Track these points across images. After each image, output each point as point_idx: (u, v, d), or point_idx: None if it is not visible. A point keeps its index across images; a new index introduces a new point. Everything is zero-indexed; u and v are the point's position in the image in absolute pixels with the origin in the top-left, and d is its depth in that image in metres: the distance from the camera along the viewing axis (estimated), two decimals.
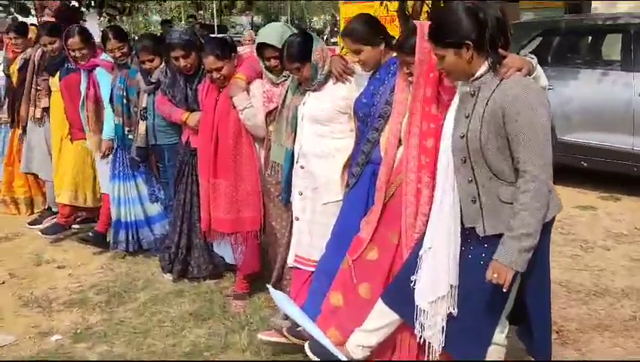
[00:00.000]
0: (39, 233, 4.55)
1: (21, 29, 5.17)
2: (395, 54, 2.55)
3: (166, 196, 4.05)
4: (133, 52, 3.98)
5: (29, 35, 5.19)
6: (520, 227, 1.89)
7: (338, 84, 2.84)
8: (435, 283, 2.11)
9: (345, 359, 2.45)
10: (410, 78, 2.35)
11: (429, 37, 2.04)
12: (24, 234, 4.78)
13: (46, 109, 4.79)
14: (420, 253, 2.20)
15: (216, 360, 2.85)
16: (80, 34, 4.11)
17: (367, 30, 2.60)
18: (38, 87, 4.79)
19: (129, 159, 3.98)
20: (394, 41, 2.50)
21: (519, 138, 1.89)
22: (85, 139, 4.40)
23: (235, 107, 3.14)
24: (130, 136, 3.94)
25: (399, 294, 2.32)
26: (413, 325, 2.24)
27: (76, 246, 4.49)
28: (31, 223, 4.95)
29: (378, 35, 2.61)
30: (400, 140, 2.41)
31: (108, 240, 4.29)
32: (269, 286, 2.98)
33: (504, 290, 1.93)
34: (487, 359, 2.14)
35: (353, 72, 2.84)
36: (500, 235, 1.96)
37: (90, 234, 4.33)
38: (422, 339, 2.23)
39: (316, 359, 2.50)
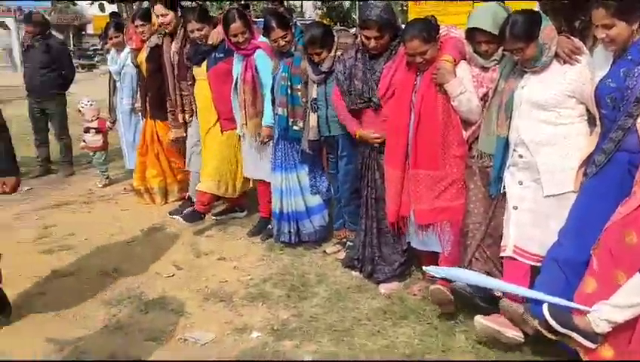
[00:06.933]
0: (179, 218, 4.53)
1: (147, 16, 5.09)
2: None
3: (331, 188, 3.97)
4: (296, 38, 3.86)
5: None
6: None
7: (565, 66, 2.64)
8: None
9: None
10: None
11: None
12: (169, 224, 4.77)
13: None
14: None
15: None
16: (241, 18, 3.97)
17: (628, 3, 2.36)
18: (183, 93, 4.68)
19: (299, 152, 3.88)
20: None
21: None
22: (234, 128, 4.34)
23: (443, 92, 2.97)
24: (295, 128, 3.83)
25: None
26: None
27: (226, 237, 4.49)
28: (172, 213, 4.95)
29: (636, 12, 2.37)
30: None
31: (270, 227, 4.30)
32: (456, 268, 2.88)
33: None
34: None
35: (583, 52, 2.64)
36: None
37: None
38: None
39: (557, 325, 2.40)
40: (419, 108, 3.06)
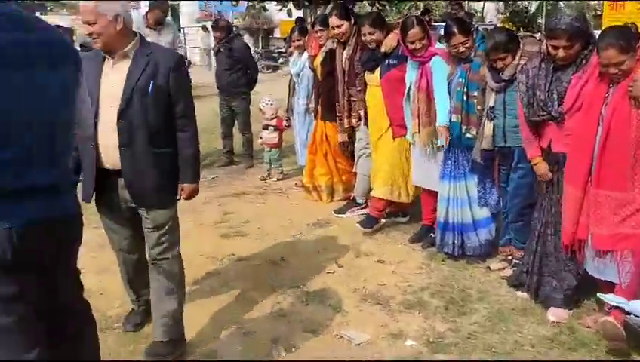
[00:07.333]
0: (357, 225, 4.63)
1: (326, 21, 5.26)
2: None
3: (500, 201, 3.78)
4: (476, 44, 3.74)
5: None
6: None
7: None
8: None
9: None
10: None
11: None
12: (333, 222, 4.93)
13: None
14: None
15: None
16: (419, 24, 3.96)
17: None
18: (352, 98, 4.81)
19: (470, 161, 3.76)
20: None
21: None
22: (405, 135, 4.34)
23: (639, 107, 2.68)
24: (468, 135, 3.72)
25: None
26: None
27: (387, 240, 4.51)
28: (337, 211, 5.11)
29: None
30: None
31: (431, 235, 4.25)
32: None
33: None
34: None
35: None
36: None
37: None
38: None
39: None
40: (608, 122, 2.78)
